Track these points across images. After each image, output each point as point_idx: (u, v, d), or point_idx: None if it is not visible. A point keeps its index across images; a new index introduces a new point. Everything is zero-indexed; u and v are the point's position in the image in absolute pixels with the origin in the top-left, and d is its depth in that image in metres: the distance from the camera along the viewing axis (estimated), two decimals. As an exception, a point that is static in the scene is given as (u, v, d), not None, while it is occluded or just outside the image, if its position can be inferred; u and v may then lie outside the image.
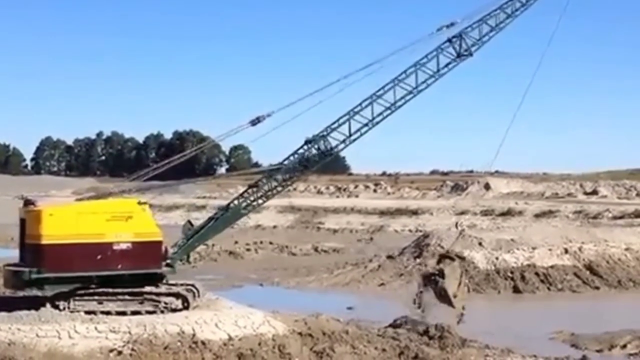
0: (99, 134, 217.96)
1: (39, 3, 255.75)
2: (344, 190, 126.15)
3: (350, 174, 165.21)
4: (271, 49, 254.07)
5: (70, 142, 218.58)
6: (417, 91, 29.75)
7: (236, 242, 64.46)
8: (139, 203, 28.81)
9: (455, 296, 31.78)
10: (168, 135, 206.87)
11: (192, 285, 28.88)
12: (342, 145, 29.56)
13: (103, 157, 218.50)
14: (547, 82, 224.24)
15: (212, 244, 57.13)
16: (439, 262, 34.56)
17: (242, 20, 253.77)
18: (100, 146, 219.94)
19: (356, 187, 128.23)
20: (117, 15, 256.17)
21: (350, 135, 29.45)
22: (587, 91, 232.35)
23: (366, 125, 29.49)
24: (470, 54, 30.23)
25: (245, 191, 29.95)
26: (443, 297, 31.59)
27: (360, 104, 29.44)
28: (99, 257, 27.14)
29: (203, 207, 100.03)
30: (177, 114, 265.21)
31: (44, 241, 26.82)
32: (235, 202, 29.76)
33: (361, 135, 29.51)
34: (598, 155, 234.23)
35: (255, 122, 29.12)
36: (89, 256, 27.08)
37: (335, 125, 29.36)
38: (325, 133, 29.36)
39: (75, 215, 27.39)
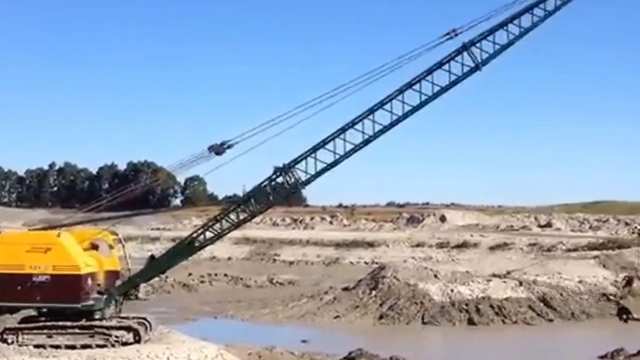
0: (52, 165, 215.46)
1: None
2: (300, 222, 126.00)
3: (307, 206, 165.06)
4: (227, 78, 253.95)
5: (21, 172, 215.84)
6: (405, 115, 28.06)
7: (190, 274, 63.75)
8: (112, 234, 28.82)
9: None
10: (122, 166, 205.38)
11: (144, 319, 28.47)
12: (320, 172, 28.04)
13: (55, 188, 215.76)
14: (500, 117, 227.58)
15: (166, 276, 56.37)
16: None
17: (198, 50, 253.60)
18: (52, 177, 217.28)
19: (312, 218, 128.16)
20: (71, 46, 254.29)
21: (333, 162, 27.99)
22: (539, 125, 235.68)
23: (340, 156, 27.97)
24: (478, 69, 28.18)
25: (209, 223, 28.97)
26: None
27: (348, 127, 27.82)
28: (18, 287, 26.87)
29: (157, 238, 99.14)
30: (131, 145, 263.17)
31: None
32: (196, 234, 28.86)
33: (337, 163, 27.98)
34: (552, 189, 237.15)
35: (219, 150, 28.19)
36: (8, 287, 26.86)
37: (311, 152, 27.90)
38: (299, 160, 28.02)
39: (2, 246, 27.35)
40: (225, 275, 67.84)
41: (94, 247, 28.70)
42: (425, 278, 47.13)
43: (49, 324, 26.95)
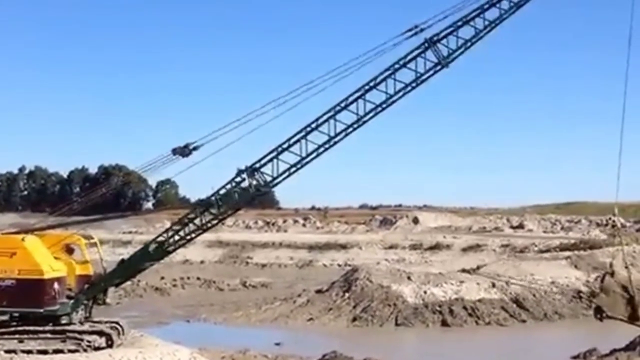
0: (22, 169, 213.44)
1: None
2: (273, 224, 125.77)
3: (279, 208, 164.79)
4: (197, 81, 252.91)
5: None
6: (360, 123, 27.66)
7: (162, 278, 63.39)
8: (87, 238, 28.65)
9: None
10: (93, 170, 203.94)
11: (117, 323, 28.32)
12: (285, 175, 27.65)
13: (25, 192, 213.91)
14: (472, 119, 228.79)
15: (138, 280, 56.07)
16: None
17: (168, 52, 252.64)
18: (22, 181, 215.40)
19: (285, 221, 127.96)
20: (42, 47, 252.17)
21: (300, 161, 27.48)
22: (510, 128, 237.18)
23: (305, 156, 27.53)
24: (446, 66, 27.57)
25: (174, 226, 28.68)
26: None
27: (312, 125, 27.37)
28: None
29: (129, 242, 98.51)
30: (102, 148, 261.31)
31: None
32: (162, 237, 28.57)
33: (307, 162, 27.48)
34: (524, 190, 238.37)
35: (185, 152, 27.85)
36: None
37: (274, 153, 27.45)
38: (263, 162, 27.65)
39: None
40: (198, 278, 67.55)
41: (69, 250, 28.52)
42: (398, 280, 47.19)
43: (20, 328, 26.76)
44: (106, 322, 28.01)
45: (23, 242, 27.30)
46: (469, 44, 27.88)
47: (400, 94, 27.74)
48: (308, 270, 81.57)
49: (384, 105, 27.79)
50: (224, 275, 70.86)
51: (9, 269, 26.99)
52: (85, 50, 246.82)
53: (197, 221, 28.09)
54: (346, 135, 27.66)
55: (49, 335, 26.72)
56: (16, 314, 27.32)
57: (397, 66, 27.63)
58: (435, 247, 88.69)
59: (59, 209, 29.83)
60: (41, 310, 26.99)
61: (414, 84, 27.81)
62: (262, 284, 66.19)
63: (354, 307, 45.43)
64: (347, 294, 46.83)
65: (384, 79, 27.66)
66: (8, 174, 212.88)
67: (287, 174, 27.73)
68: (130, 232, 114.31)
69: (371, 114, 27.80)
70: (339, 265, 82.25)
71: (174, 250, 28.88)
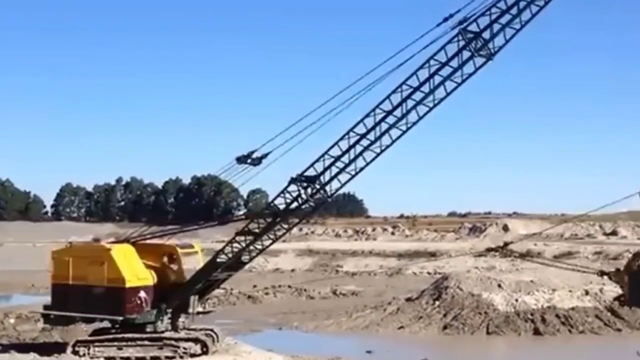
0: (118, 180, 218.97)
1: (57, 44, 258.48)
2: (362, 233, 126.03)
3: (368, 217, 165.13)
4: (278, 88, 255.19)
5: (90, 188, 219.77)
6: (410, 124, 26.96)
7: (254, 286, 64.40)
8: (187, 247, 29.54)
9: None
10: (187, 180, 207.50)
11: (211, 330, 28.96)
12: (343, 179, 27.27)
13: (122, 203, 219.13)
14: (562, 124, 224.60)
15: (231, 288, 57.21)
16: None
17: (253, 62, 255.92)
18: (119, 192, 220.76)
19: (374, 229, 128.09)
20: (139, 57, 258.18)
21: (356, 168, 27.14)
22: (599, 134, 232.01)
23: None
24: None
25: (237, 237, 28.48)
26: None
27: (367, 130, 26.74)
28: (82, 298, 27.99)
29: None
30: (195, 159, 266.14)
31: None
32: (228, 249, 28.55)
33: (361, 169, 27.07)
34: (617, 196, 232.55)
35: (255, 162, 27.81)
36: (76, 298, 28.09)
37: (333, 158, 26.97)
38: (320, 171, 27.24)
39: (72, 259, 28.41)
40: (289, 286, 68.21)
41: (170, 260, 29.23)
42: (489, 288, 46.81)
43: (119, 336, 27.61)
44: (201, 330, 28.67)
45: (110, 251, 28.14)
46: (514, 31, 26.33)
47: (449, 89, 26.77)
48: (397, 278, 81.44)
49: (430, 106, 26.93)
50: (314, 284, 71.36)
51: (98, 277, 27.96)
52: (181, 70, 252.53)
53: (261, 231, 27.92)
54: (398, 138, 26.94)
55: (146, 342, 27.51)
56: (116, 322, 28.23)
57: (443, 60, 26.66)
58: (526, 255, 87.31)
59: (157, 219, 30.64)
60: (121, 318, 27.79)
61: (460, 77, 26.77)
62: (352, 292, 66.43)
63: (445, 315, 45.28)
64: (437, 302, 46.71)
65: (434, 74, 26.61)
66: (106, 185, 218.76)
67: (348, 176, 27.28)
68: (223, 241, 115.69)
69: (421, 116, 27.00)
70: (429, 273, 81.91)
71: (243, 261, 28.82)
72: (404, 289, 60.73)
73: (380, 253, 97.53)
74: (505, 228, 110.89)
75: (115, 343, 27.58)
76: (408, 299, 49.22)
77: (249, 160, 27.96)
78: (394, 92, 26.91)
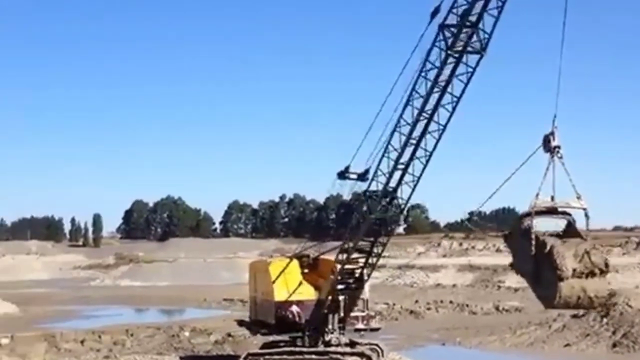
0: (282, 197, 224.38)
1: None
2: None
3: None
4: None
5: (255, 205, 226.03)
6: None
7: (416, 301, 64.74)
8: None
9: None
10: (347, 196, 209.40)
11: (377, 345, 29.58)
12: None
13: (286, 219, 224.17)
14: None
15: (393, 303, 57.79)
16: None
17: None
18: (283, 208, 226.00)
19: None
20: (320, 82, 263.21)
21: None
22: None
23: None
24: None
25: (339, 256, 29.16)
26: None
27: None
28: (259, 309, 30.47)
29: (383, 266, 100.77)
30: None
31: None
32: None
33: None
34: None
35: (365, 178, 28.48)
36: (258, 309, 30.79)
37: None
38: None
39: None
40: (451, 302, 68.08)
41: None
42: (662, 305, 45.24)
43: (287, 349, 28.64)
44: (367, 344, 29.30)
45: (268, 266, 29.42)
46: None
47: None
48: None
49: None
50: (476, 299, 70.85)
51: (259, 290, 29.68)
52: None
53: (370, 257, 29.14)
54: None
55: (313, 356, 28.37)
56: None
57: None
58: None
59: (319, 235, 31.71)
60: (266, 330, 29.02)
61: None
62: (515, 307, 65.51)
63: (613, 332, 44.05)
64: (605, 319, 45.49)
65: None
66: (270, 202, 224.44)
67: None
68: (383, 257, 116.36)
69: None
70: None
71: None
72: (570, 306, 59.32)
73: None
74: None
75: (285, 356, 28.58)
76: (574, 316, 48.17)
77: (354, 177, 28.76)
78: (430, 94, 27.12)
